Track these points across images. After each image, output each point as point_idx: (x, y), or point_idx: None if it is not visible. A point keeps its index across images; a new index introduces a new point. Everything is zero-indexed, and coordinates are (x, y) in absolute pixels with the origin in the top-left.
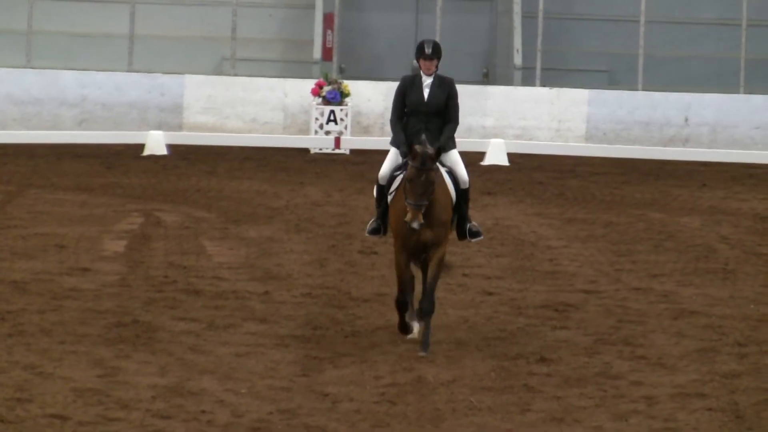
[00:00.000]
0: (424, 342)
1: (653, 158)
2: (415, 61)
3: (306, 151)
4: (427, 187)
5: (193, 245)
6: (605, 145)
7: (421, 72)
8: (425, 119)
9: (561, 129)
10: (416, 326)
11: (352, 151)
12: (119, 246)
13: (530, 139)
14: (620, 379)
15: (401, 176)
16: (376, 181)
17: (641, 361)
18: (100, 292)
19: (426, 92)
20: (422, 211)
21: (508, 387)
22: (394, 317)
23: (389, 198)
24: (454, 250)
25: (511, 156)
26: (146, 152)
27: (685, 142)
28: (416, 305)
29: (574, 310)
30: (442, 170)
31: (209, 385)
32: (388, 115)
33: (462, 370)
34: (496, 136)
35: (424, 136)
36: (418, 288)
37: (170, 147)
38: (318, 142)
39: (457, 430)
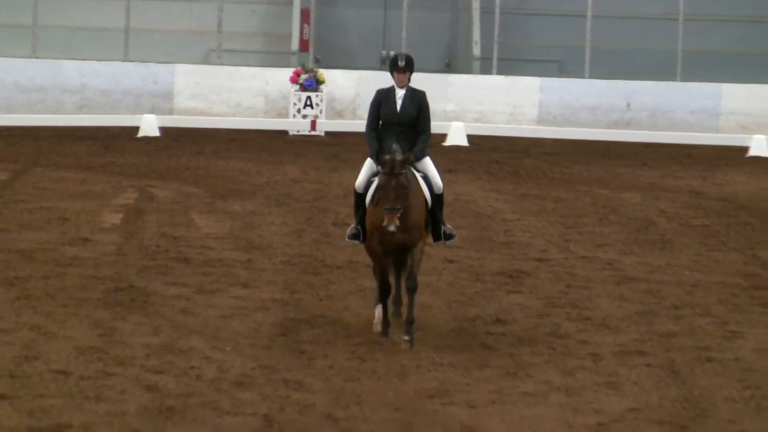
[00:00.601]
0: (408, 320)
1: (599, 140)
2: (389, 71)
3: (285, 133)
4: (399, 191)
5: (183, 218)
6: (555, 128)
7: (395, 84)
8: (398, 130)
9: (515, 113)
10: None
11: (327, 133)
12: (116, 219)
13: (487, 122)
14: (568, 338)
15: (374, 186)
16: (354, 190)
17: (587, 322)
18: (98, 261)
19: (399, 104)
20: (398, 215)
21: (467, 345)
22: (365, 282)
23: (367, 200)
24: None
25: (470, 137)
26: (140, 134)
27: (628, 125)
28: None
29: (527, 276)
30: (418, 176)
31: (198, 343)
32: (359, 100)
33: (426, 330)
34: (456, 119)
35: (395, 146)
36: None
37: (162, 129)
38: (296, 125)
39: (421, 384)
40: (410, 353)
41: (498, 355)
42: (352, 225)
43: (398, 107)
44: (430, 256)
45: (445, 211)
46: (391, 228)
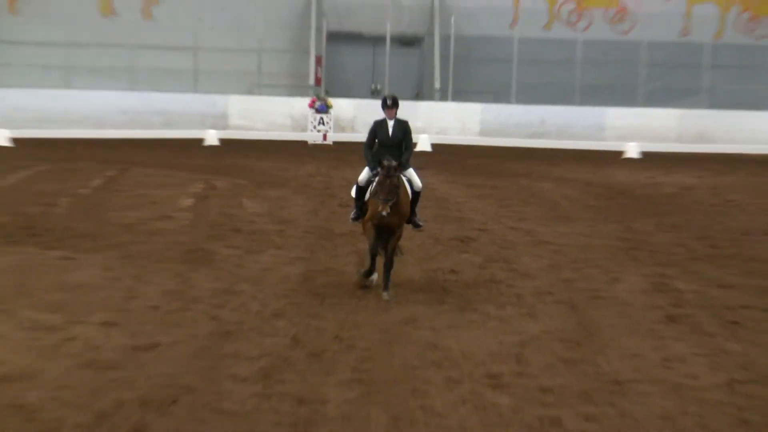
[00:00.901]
0: (385, 284)
1: (522, 146)
2: (379, 102)
3: (305, 142)
4: (392, 188)
5: (235, 201)
6: (491, 138)
7: (386, 117)
8: (389, 149)
9: (464, 128)
10: (375, 276)
11: (334, 142)
12: (189, 202)
13: (445, 135)
14: (500, 283)
15: (374, 184)
16: (356, 183)
17: (514, 273)
18: (177, 231)
19: (390, 131)
20: (390, 205)
21: (431, 289)
22: (362, 245)
23: (367, 195)
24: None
25: (433, 145)
26: (206, 143)
27: (541, 136)
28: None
29: (472, 241)
30: (404, 180)
31: (247, 287)
32: (357, 120)
33: (401, 277)
34: (423, 132)
35: (388, 157)
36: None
37: (220, 140)
38: (312, 137)
39: (399, 315)
40: (392, 293)
41: (452, 295)
42: (353, 211)
43: (390, 133)
44: (406, 228)
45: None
46: (384, 213)
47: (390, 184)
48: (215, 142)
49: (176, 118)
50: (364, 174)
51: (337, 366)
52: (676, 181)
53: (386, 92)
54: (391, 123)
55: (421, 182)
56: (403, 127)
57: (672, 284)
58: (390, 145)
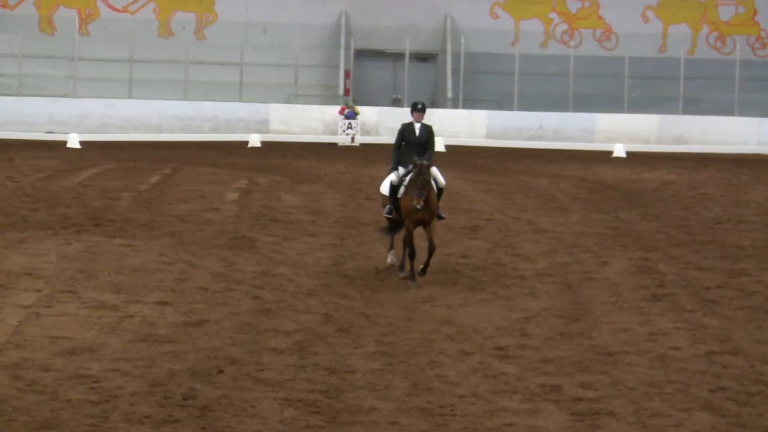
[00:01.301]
0: (425, 266)
1: (523, 147)
2: (399, 109)
3: (335, 144)
4: (425, 184)
5: (275, 195)
6: (496, 140)
7: (413, 120)
8: (417, 148)
9: (473, 132)
10: (392, 254)
11: (361, 144)
12: (234, 196)
13: (456, 137)
14: (505, 266)
15: (407, 182)
16: (390, 184)
17: (517, 257)
18: (224, 221)
19: (417, 132)
20: (423, 198)
21: (445, 271)
22: (381, 234)
23: (400, 192)
24: None
25: (446, 146)
26: (249, 145)
27: (540, 138)
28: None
29: (480, 229)
30: (431, 179)
31: (284, 270)
32: (380, 124)
33: (418, 261)
34: (437, 136)
35: (416, 157)
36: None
37: (262, 143)
38: (342, 140)
39: (418, 294)
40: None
41: (463, 277)
42: (388, 206)
43: (417, 134)
44: None
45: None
46: (419, 206)
47: (423, 181)
48: (258, 145)
49: (223, 123)
50: (394, 175)
51: (363, 339)
52: (657, 177)
53: (405, 101)
54: (418, 126)
55: (444, 180)
56: (428, 130)
57: (655, 267)
58: (416, 144)
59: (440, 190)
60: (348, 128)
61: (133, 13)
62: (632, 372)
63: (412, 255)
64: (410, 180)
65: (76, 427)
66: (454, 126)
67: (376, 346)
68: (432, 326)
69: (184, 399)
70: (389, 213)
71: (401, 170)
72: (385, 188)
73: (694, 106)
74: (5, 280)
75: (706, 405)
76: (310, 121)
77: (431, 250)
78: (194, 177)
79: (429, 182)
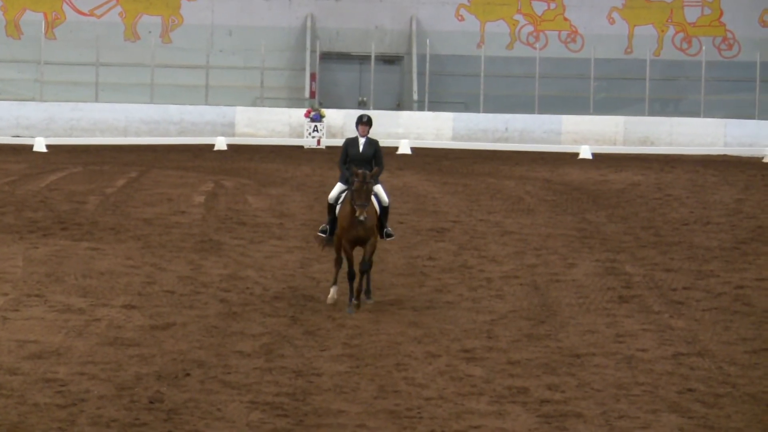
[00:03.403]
0: (367, 289)
1: (489, 149)
2: (355, 125)
3: (301, 147)
4: (368, 194)
5: (241, 198)
6: (462, 142)
7: (358, 134)
8: (360, 165)
9: (438, 134)
10: (334, 289)
11: (327, 146)
12: (201, 199)
13: (422, 140)
14: (472, 268)
15: (345, 194)
16: (328, 201)
17: (484, 258)
18: (191, 224)
19: (361, 148)
20: (366, 209)
21: (412, 273)
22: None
23: (337, 209)
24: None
25: (412, 149)
26: (216, 148)
27: (506, 140)
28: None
29: (447, 231)
30: (372, 197)
31: (251, 273)
32: (346, 126)
33: (385, 264)
34: (404, 137)
35: (362, 170)
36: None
37: (228, 146)
38: (308, 143)
39: (383, 298)
40: (378, 280)
41: (430, 279)
42: (324, 224)
43: (360, 150)
44: (390, 220)
45: (397, 194)
46: (362, 217)
47: (366, 191)
48: (224, 148)
49: (190, 126)
50: (335, 191)
51: (330, 342)
52: (624, 178)
53: (371, 104)
54: (362, 140)
55: (388, 198)
56: (373, 145)
57: (622, 268)
58: (360, 160)
59: (384, 208)
60: (314, 131)
61: (99, 16)
62: (599, 374)
63: (351, 276)
64: (354, 190)
65: (43, 431)
66: (420, 128)
67: (343, 348)
68: (399, 329)
69: (151, 402)
70: (323, 232)
71: (339, 186)
72: (332, 198)
73: (660, 107)
74: None
75: (674, 407)
76: (277, 124)
77: (364, 269)
78: (161, 180)
79: (371, 192)
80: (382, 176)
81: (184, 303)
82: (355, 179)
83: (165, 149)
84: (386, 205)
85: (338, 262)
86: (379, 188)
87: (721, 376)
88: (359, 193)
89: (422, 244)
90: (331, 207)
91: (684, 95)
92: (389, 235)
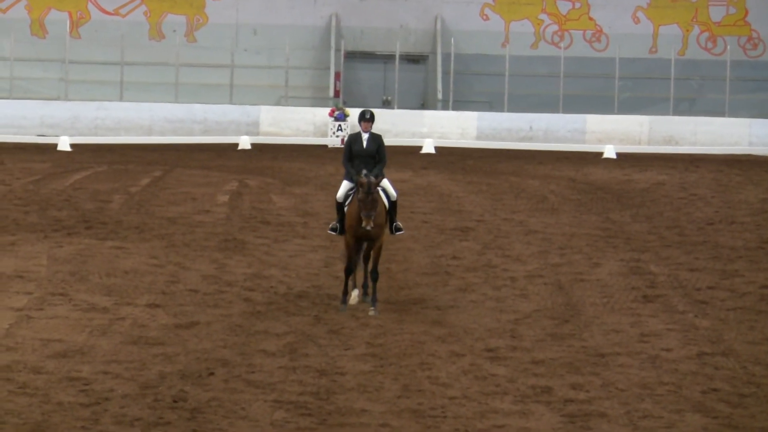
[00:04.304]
0: (373, 298)
1: (513, 148)
2: (388, 111)
3: (325, 146)
4: (373, 203)
5: (265, 197)
6: (487, 141)
7: (361, 130)
8: (364, 160)
9: (463, 133)
10: (355, 293)
11: None
12: (225, 198)
13: (446, 139)
14: (496, 267)
15: (353, 194)
16: (336, 199)
17: (508, 258)
18: (215, 223)
19: (365, 143)
20: (372, 219)
21: (436, 272)
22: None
23: (345, 208)
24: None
25: (437, 148)
26: (240, 147)
27: (530, 140)
28: (357, 286)
29: (471, 230)
30: (380, 191)
31: (275, 272)
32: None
33: (409, 263)
34: (428, 137)
35: (365, 171)
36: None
37: (253, 145)
38: (332, 142)
39: (408, 296)
40: (400, 278)
41: (454, 278)
42: (334, 221)
43: (364, 146)
44: (413, 219)
45: (422, 193)
46: (369, 227)
47: (372, 200)
48: (248, 147)
49: (214, 125)
50: (343, 189)
51: (354, 341)
52: (648, 178)
53: (396, 103)
54: (365, 136)
55: (396, 192)
56: (376, 140)
57: (646, 268)
58: (364, 156)
59: (393, 203)
60: (338, 130)
61: (123, 15)
62: (624, 373)
63: (348, 270)
64: (359, 200)
65: (66, 430)
66: (445, 127)
67: (367, 347)
68: (422, 328)
69: (175, 401)
70: (333, 229)
71: (346, 184)
72: (340, 196)
73: (684, 106)
74: None
75: (698, 406)
76: (301, 123)
77: (373, 278)
78: (185, 179)
79: (377, 201)
80: (390, 174)
81: (208, 302)
82: (360, 189)
83: (189, 148)
84: (394, 199)
85: (349, 271)
86: (386, 182)
87: (745, 376)
88: (365, 203)
89: (446, 243)
90: (340, 205)
91: (709, 95)
92: (399, 229)
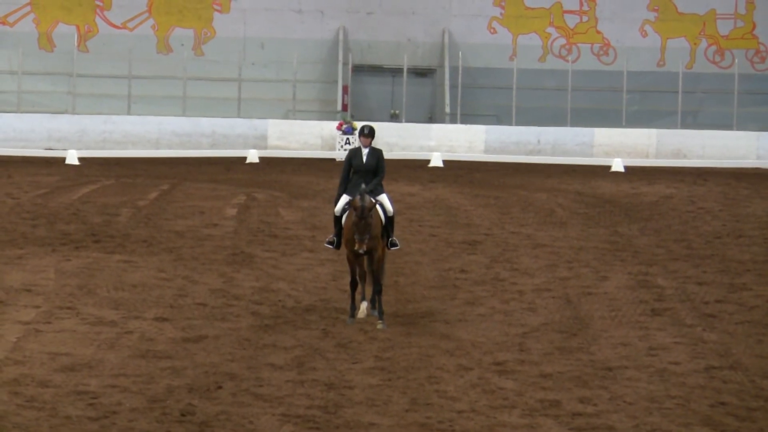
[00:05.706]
0: (380, 311)
1: (521, 162)
2: (396, 125)
3: (333, 159)
4: (366, 227)
5: (273, 211)
6: (494, 155)
7: (361, 145)
8: (364, 175)
9: (471, 147)
10: (363, 305)
11: None
12: (233, 211)
13: (454, 152)
14: (504, 281)
15: (349, 209)
16: (333, 214)
17: (516, 271)
18: (223, 236)
19: (365, 158)
20: (365, 243)
21: (444, 286)
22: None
23: (343, 220)
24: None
25: (444, 161)
26: (248, 161)
27: (538, 153)
28: (365, 298)
29: (479, 244)
30: (377, 206)
31: (283, 286)
32: (378, 140)
33: (417, 276)
34: (436, 150)
35: (363, 187)
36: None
37: (260, 158)
38: (340, 155)
39: (416, 310)
40: (409, 291)
41: (462, 291)
42: (331, 235)
43: (364, 161)
44: (420, 233)
45: (428, 207)
46: (361, 251)
47: (364, 224)
48: (256, 160)
49: (222, 139)
50: (341, 203)
51: (362, 355)
52: (656, 191)
53: (404, 117)
54: (365, 151)
55: (393, 208)
56: (376, 155)
57: (654, 281)
58: (364, 171)
59: (390, 218)
60: (346, 143)
61: (131, 29)
62: (631, 387)
63: (353, 283)
64: (353, 224)
65: None
66: (453, 141)
67: (375, 361)
68: (431, 341)
69: (183, 415)
70: (330, 243)
71: (344, 198)
72: (338, 211)
73: (692, 120)
74: (4, 296)
75: (706, 420)
76: (308, 137)
77: (376, 290)
78: (193, 193)
79: (371, 225)
80: (398, 187)
81: (216, 315)
82: (354, 213)
83: (197, 162)
84: (391, 215)
85: (354, 285)
86: (383, 197)
87: (753, 389)
88: (358, 227)
89: (454, 257)
90: (337, 219)
91: (716, 108)
92: (394, 245)
